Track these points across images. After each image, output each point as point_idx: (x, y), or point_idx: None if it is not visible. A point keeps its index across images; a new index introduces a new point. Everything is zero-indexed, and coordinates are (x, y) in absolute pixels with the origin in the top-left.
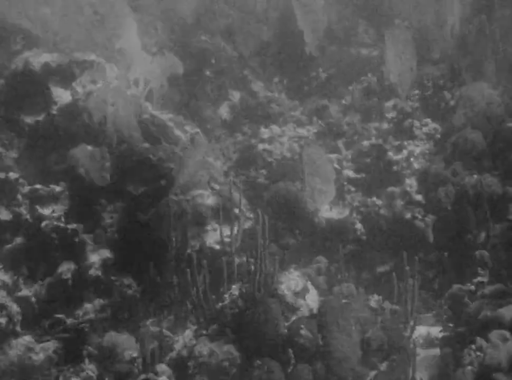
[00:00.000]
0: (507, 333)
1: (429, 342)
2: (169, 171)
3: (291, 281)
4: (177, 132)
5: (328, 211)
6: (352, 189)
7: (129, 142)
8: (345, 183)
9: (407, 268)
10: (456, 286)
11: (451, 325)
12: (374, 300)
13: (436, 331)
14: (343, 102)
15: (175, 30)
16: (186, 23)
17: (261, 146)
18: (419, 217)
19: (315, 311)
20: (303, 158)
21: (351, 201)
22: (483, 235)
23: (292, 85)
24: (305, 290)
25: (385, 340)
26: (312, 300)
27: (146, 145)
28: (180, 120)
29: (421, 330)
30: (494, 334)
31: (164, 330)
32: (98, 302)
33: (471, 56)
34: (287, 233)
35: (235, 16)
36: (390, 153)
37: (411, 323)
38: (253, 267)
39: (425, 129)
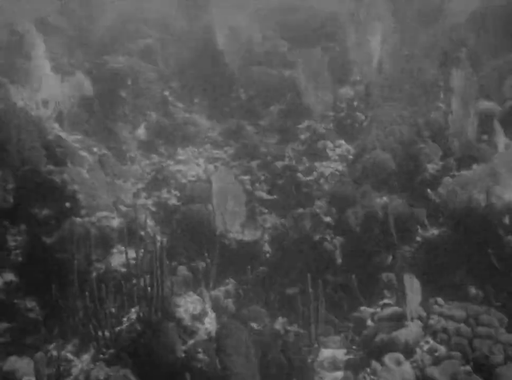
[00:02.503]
0: (401, 356)
1: (334, 365)
2: (74, 193)
3: (189, 304)
4: (84, 154)
5: (239, 233)
6: (265, 210)
7: (33, 163)
8: (257, 204)
9: (311, 290)
10: (361, 309)
11: (354, 347)
12: (279, 323)
13: (341, 354)
14: (262, 123)
15: (92, 50)
16: (103, 43)
17: (174, 167)
18: (328, 238)
19: (213, 334)
20: (213, 180)
21: (263, 222)
22: (390, 257)
23: (213, 105)
24: (203, 313)
25: (285, 363)
26: (210, 323)
27: (50, 167)
28: (88, 141)
29: (327, 353)
30: (389, 358)
31: (67, 354)
32: (1, 325)
33: (385, 76)
34: (197, 255)
35: (156, 36)
36: (300, 175)
37: (316, 345)
38: (149, 290)
39: (338, 150)
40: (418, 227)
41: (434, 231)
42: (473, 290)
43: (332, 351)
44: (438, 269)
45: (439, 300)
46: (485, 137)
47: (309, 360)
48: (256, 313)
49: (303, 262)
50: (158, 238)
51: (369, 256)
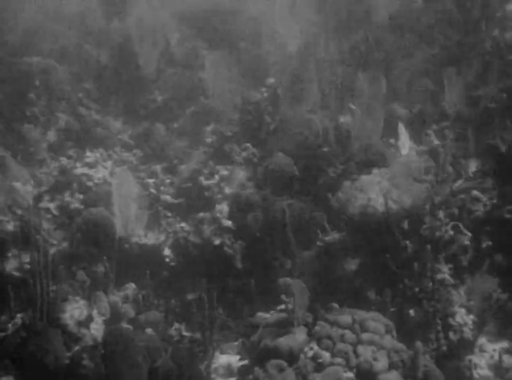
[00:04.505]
0: (284, 363)
1: (230, 372)
2: None
3: (76, 310)
4: None
5: (142, 237)
6: (169, 214)
7: None
8: (161, 208)
9: (203, 295)
10: (258, 314)
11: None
12: (174, 328)
13: (236, 360)
14: (175, 125)
15: (3, 51)
16: (13, 43)
17: (79, 170)
18: (228, 243)
19: (100, 340)
20: (115, 183)
21: (167, 227)
22: (290, 262)
23: (128, 108)
24: (89, 319)
25: (173, 369)
26: (97, 329)
27: None
28: None
29: (223, 359)
30: (271, 364)
31: None
32: None
33: (296, 79)
34: (96, 259)
35: (72, 37)
36: (201, 178)
37: (211, 351)
38: (36, 296)
39: (244, 154)
40: (319, 231)
41: (335, 236)
42: (371, 295)
43: (227, 357)
44: (337, 274)
45: (335, 305)
46: (392, 141)
47: (203, 367)
48: (153, 318)
49: (204, 266)
50: (53, 241)
51: (269, 260)
